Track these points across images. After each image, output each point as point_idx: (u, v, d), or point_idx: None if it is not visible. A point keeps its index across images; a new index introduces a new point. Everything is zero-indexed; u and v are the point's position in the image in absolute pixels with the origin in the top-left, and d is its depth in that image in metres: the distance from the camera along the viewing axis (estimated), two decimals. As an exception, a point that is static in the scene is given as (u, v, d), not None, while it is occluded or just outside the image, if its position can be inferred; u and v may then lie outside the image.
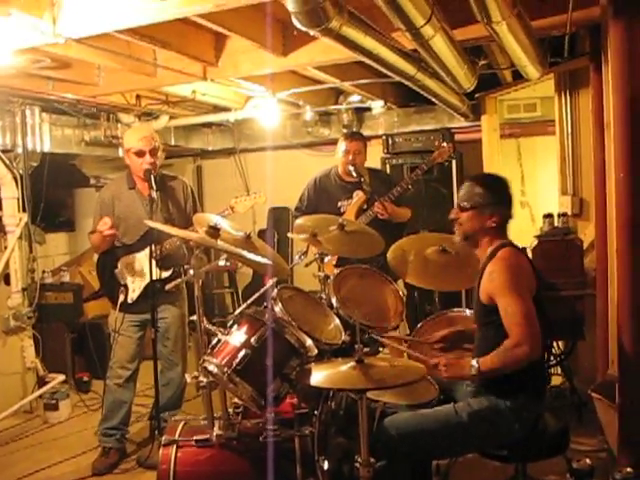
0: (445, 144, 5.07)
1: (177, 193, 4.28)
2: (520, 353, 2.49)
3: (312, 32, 2.79)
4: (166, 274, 4.09)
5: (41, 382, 5.32)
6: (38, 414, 5.21)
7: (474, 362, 2.58)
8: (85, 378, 5.77)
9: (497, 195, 2.79)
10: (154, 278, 3.79)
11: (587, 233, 4.76)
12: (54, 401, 5.12)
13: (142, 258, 4.10)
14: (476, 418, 2.62)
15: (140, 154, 4.04)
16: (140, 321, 4.18)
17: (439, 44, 3.20)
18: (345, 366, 2.43)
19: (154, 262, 3.77)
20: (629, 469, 2.42)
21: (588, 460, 2.47)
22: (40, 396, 5.21)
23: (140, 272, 4.10)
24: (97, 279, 4.33)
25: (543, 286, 2.82)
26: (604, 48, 3.73)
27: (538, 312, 2.61)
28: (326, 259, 3.63)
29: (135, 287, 4.12)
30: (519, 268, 2.65)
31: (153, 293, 3.87)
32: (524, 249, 2.93)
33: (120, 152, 4.32)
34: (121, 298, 4.06)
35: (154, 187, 3.88)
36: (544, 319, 2.68)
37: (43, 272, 5.74)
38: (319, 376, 2.44)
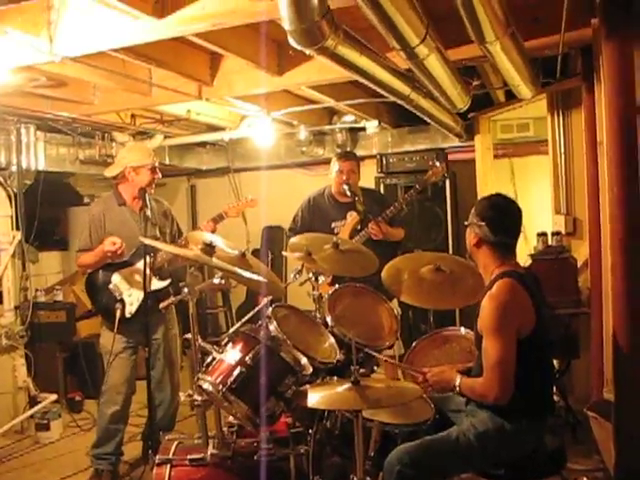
0: (438, 164, 5.09)
1: (162, 214, 4.31)
2: (485, 400, 2.60)
3: (308, 51, 2.80)
4: (165, 283, 4.14)
5: (33, 402, 5.28)
6: (29, 434, 5.16)
7: (457, 382, 2.69)
8: (77, 398, 5.70)
9: (481, 214, 2.78)
10: (153, 289, 3.82)
11: (581, 252, 4.77)
12: (46, 421, 5.07)
13: (141, 269, 4.07)
14: (482, 438, 2.62)
15: (154, 170, 4.14)
16: (134, 342, 4.16)
17: (433, 64, 3.22)
18: (341, 387, 2.43)
19: (151, 273, 3.78)
20: (626, 488, 2.41)
21: (586, 479, 2.46)
22: (32, 416, 5.16)
23: (139, 283, 4.07)
24: (88, 299, 4.28)
25: (547, 312, 2.78)
26: (596, 68, 3.77)
27: (539, 346, 2.62)
28: (320, 279, 3.62)
29: (133, 300, 4.07)
30: (509, 308, 2.60)
31: (146, 311, 3.86)
32: (530, 272, 2.86)
33: (109, 171, 4.29)
34: (118, 314, 4.01)
35: (148, 205, 3.90)
36: (544, 353, 2.71)
37: (36, 291, 5.71)
38: (315, 397, 2.43)
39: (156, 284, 4.00)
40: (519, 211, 2.82)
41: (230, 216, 4.29)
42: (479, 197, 5.69)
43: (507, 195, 2.91)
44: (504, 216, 2.81)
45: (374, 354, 3.11)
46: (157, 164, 4.21)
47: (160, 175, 4.23)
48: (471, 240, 2.83)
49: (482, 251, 2.80)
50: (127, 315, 4.05)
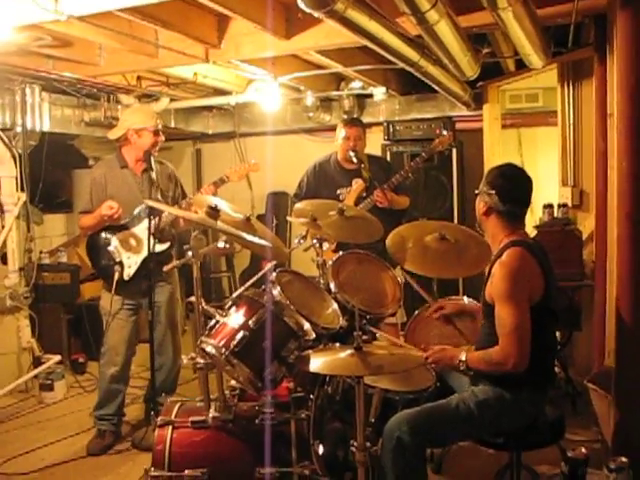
0: (446, 132, 5.06)
1: (166, 177, 4.29)
2: (503, 368, 2.57)
3: (317, 14, 2.77)
4: (164, 246, 4.13)
5: (37, 362, 5.33)
6: (33, 394, 5.21)
7: (463, 356, 2.69)
8: (81, 359, 5.76)
9: (491, 183, 2.78)
10: (152, 251, 3.79)
11: (586, 224, 4.76)
12: (49, 381, 5.13)
13: (139, 232, 4.09)
14: (482, 406, 2.64)
15: (157, 133, 4.11)
16: (134, 304, 4.19)
17: (444, 30, 3.18)
18: (344, 353, 2.43)
19: (152, 237, 3.76)
20: (624, 459, 2.42)
21: (584, 449, 2.47)
22: (35, 376, 5.21)
23: (137, 247, 4.09)
24: (89, 260, 4.30)
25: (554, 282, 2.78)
26: (609, 39, 3.71)
27: (545, 316, 2.63)
28: (325, 246, 3.62)
29: (131, 262, 4.08)
30: (521, 274, 2.61)
31: (148, 273, 3.87)
32: (537, 243, 2.85)
33: (112, 133, 4.27)
34: (116, 276, 4.03)
35: (153, 168, 3.90)
36: (550, 322, 2.72)
37: (40, 252, 5.72)
38: (318, 363, 2.44)
39: (155, 247, 3.98)
40: (529, 181, 2.82)
41: (232, 180, 4.26)
42: (486, 167, 5.73)
43: (518, 165, 2.91)
44: (514, 185, 2.81)
45: (374, 331, 3.14)
46: (160, 127, 4.18)
47: (163, 138, 4.19)
48: (480, 209, 2.83)
49: (491, 220, 2.81)
50: (125, 278, 4.08)
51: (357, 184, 4.61)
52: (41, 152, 5.53)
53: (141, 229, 4.07)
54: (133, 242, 4.09)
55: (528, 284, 2.62)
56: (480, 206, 2.83)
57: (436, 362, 2.80)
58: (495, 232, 2.82)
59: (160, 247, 4.07)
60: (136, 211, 4.09)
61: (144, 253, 4.02)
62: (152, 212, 3.74)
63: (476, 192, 2.87)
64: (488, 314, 2.70)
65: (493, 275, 2.68)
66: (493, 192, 2.75)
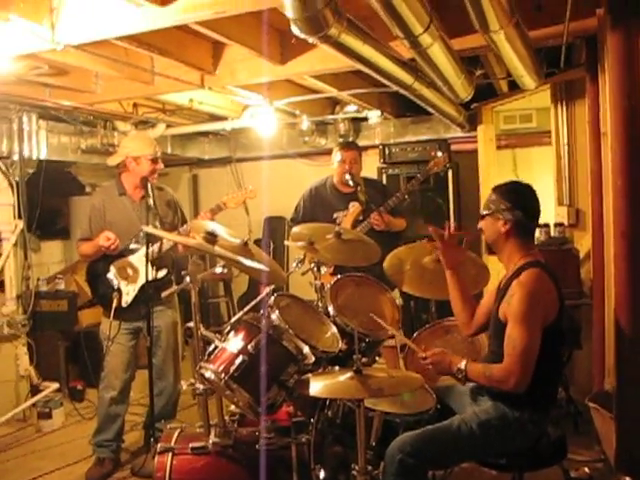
0: (441, 154, 5.08)
1: (165, 203, 4.29)
2: (502, 385, 2.56)
3: (311, 39, 2.79)
4: (161, 274, 4.13)
5: (34, 390, 5.29)
6: (31, 422, 5.17)
7: (462, 365, 2.66)
8: (79, 387, 5.72)
9: (511, 200, 2.75)
10: (150, 279, 3.79)
11: (583, 243, 4.77)
12: (48, 409, 5.09)
13: (136, 260, 4.09)
14: (485, 427, 2.62)
15: (155, 161, 4.12)
16: (133, 329, 4.18)
17: (437, 53, 3.21)
18: (343, 376, 2.43)
19: (149, 263, 3.76)
20: (628, 478, 2.41)
21: (587, 469, 2.46)
22: (34, 404, 5.17)
23: (134, 275, 4.09)
24: (88, 287, 4.30)
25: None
26: (600, 59, 3.75)
27: (555, 337, 2.62)
28: (323, 269, 3.63)
29: (129, 290, 4.09)
30: (539, 297, 2.59)
31: (147, 298, 3.87)
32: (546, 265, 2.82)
33: (111, 160, 4.29)
34: (115, 303, 4.04)
35: (150, 195, 3.90)
36: (561, 342, 2.70)
37: (38, 280, 5.72)
38: (318, 386, 2.44)
39: (152, 274, 3.97)
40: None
41: (229, 207, 4.25)
42: (482, 188, 5.74)
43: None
44: (535, 201, 2.82)
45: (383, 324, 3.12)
46: (159, 154, 4.19)
47: (162, 165, 4.21)
48: (499, 228, 2.77)
49: (511, 240, 2.77)
50: (123, 304, 4.08)
51: (354, 207, 4.62)
52: (38, 180, 5.54)
53: (138, 256, 4.08)
54: (130, 271, 4.10)
55: (544, 307, 2.60)
56: (498, 226, 2.77)
57: (434, 364, 2.77)
58: (512, 252, 2.78)
59: (159, 274, 4.07)
60: (135, 237, 4.09)
61: (141, 281, 4.03)
62: (150, 239, 3.74)
63: (486, 213, 2.82)
64: (498, 333, 2.67)
65: (512, 295, 2.64)
66: (518, 210, 2.73)
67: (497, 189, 2.87)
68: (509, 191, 2.82)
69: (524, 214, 2.75)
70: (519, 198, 2.78)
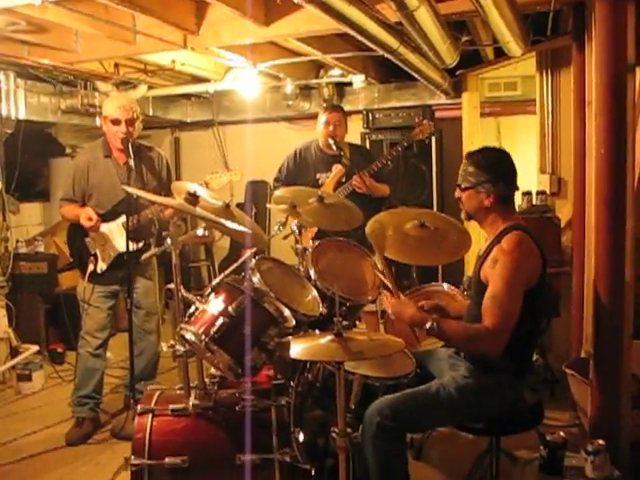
0: (425, 121, 5.07)
1: (153, 164, 4.25)
2: (478, 347, 2.57)
3: (296, 0, 2.75)
4: (139, 245, 4.10)
5: (14, 352, 5.25)
6: (11, 385, 5.16)
7: (428, 324, 2.59)
8: (59, 349, 5.71)
9: (491, 172, 2.72)
10: (121, 251, 3.80)
11: (564, 212, 4.80)
12: (27, 372, 5.08)
13: (113, 228, 4.07)
14: (463, 392, 2.64)
15: (116, 122, 4.01)
16: (109, 292, 4.19)
17: (423, 16, 3.17)
18: (324, 339, 2.43)
19: (127, 234, 3.76)
20: (601, 441, 2.45)
21: (562, 433, 2.50)
22: (13, 367, 5.15)
23: (110, 243, 4.08)
24: (68, 248, 4.28)
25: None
26: (587, 27, 3.73)
27: (536, 300, 2.62)
28: (304, 231, 3.62)
29: (105, 257, 4.09)
30: (523, 261, 2.58)
31: (127, 263, 3.85)
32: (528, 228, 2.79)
33: (97, 121, 4.25)
34: (90, 268, 4.04)
35: (131, 156, 3.86)
36: (541, 306, 2.70)
37: (17, 242, 5.66)
38: (298, 348, 2.43)
39: (129, 245, 3.87)
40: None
41: (211, 188, 4.07)
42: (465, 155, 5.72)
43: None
44: (512, 167, 2.80)
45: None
46: (135, 115, 4.07)
47: (135, 127, 4.08)
48: (482, 201, 2.74)
49: (494, 210, 2.75)
50: (98, 271, 4.09)
51: (336, 169, 4.63)
52: (17, 140, 5.46)
53: (115, 225, 4.06)
54: (107, 237, 4.08)
55: (527, 269, 2.60)
56: (481, 198, 2.74)
57: (393, 313, 2.79)
58: (495, 220, 2.76)
59: (137, 245, 4.05)
60: (117, 202, 4.04)
61: (117, 251, 4.06)
62: (129, 208, 3.74)
63: (466, 186, 2.78)
64: (479, 293, 2.66)
65: (495, 259, 2.62)
66: (500, 182, 2.71)
67: (472, 159, 2.83)
68: (488, 163, 2.77)
69: (506, 185, 2.74)
70: (499, 169, 2.75)
